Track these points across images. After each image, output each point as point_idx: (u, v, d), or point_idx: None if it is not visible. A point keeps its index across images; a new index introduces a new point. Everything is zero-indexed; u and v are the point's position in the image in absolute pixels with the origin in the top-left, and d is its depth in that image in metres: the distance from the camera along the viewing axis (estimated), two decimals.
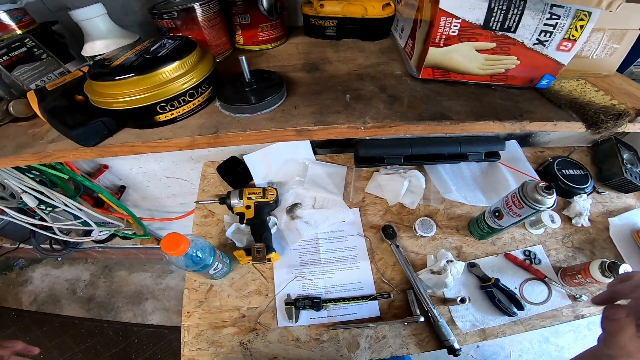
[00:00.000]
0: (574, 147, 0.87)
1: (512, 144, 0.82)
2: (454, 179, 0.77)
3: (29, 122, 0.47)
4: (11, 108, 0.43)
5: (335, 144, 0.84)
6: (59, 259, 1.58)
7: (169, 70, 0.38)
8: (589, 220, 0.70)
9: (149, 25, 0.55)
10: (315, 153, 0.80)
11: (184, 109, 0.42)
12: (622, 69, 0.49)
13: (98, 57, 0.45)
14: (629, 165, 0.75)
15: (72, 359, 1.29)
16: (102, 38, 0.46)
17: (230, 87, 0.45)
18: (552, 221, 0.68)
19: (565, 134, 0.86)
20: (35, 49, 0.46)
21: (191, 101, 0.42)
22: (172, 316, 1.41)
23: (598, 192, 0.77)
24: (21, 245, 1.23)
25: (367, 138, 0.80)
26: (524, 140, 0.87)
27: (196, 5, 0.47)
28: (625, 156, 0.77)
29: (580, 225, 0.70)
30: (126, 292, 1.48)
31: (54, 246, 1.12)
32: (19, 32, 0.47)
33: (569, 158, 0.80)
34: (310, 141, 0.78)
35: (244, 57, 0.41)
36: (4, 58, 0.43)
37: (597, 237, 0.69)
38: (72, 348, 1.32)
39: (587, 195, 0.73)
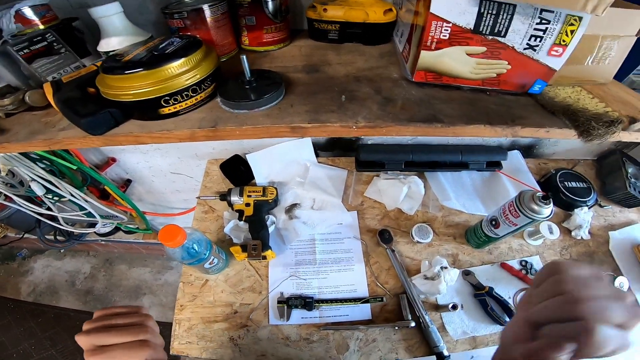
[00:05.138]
0: (578, 159, 0.86)
1: (515, 154, 0.81)
2: (454, 187, 0.77)
3: (43, 112, 0.49)
4: (27, 97, 0.46)
5: (337, 147, 0.85)
6: (62, 250, 1.61)
7: (175, 66, 0.40)
8: (589, 233, 0.69)
9: (163, 25, 0.57)
10: (317, 155, 0.81)
11: (186, 104, 0.43)
12: (620, 77, 0.48)
13: (111, 53, 0.48)
14: (633, 180, 0.74)
15: (64, 351, 1.30)
16: (117, 35, 0.48)
17: (231, 85, 0.47)
18: (551, 232, 0.67)
19: (569, 146, 0.85)
20: (55, 44, 0.49)
21: (194, 96, 0.43)
22: (167, 312, 1.42)
23: (601, 206, 0.76)
24: (26, 236, 1.25)
25: (369, 143, 0.81)
26: (528, 151, 0.87)
27: (205, 7, 0.49)
28: (630, 170, 0.76)
29: (579, 237, 0.69)
30: (125, 286, 1.49)
31: (57, 237, 1.14)
32: (41, 27, 0.49)
33: (572, 170, 0.79)
34: (313, 144, 0.79)
35: (244, 56, 0.43)
36: (25, 51, 0.45)
37: (597, 250, 0.68)
38: (64, 339, 1.33)
39: (589, 208, 0.72)
